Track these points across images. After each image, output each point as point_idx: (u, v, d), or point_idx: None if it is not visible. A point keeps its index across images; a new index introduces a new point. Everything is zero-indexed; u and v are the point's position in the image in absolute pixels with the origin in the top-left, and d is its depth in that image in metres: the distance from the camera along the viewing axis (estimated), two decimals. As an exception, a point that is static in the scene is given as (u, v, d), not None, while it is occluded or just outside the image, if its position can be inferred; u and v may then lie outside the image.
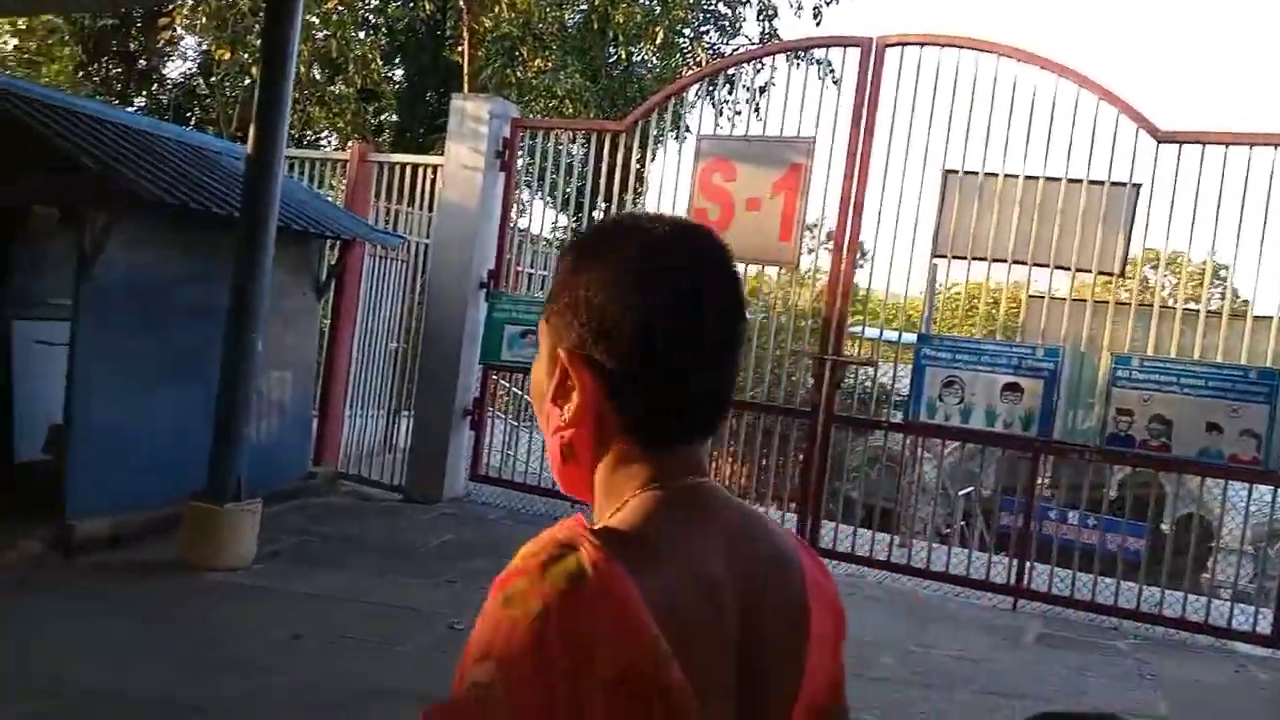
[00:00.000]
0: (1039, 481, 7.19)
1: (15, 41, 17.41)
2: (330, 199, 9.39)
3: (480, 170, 8.39)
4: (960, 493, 10.64)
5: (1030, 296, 7.00)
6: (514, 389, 10.58)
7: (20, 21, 16.00)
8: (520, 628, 0.83)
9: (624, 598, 0.85)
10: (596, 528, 0.93)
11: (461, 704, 0.83)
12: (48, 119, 6.68)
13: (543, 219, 11.48)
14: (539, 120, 11.99)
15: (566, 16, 15.94)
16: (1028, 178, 6.76)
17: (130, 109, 16.95)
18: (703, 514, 0.98)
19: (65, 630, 4.86)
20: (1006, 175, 6.82)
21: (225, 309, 6.31)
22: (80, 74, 18.01)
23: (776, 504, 8.47)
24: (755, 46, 15.95)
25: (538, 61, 15.04)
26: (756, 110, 9.10)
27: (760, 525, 1.04)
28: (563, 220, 17.94)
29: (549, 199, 10.51)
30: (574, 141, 9.83)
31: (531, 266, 9.96)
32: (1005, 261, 6.84)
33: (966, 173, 6.91)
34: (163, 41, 18.76)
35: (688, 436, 1.01)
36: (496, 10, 13.97)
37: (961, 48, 6.92)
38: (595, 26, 15.24)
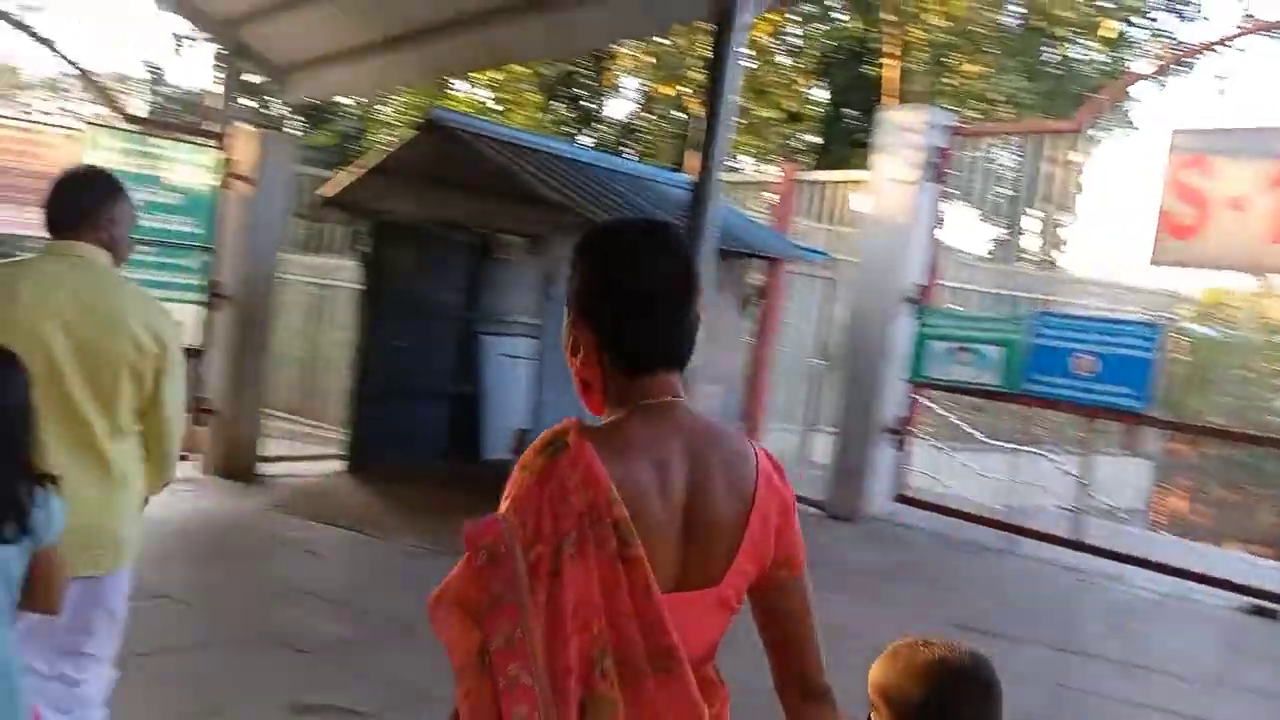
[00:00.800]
0: None
1: (491, 94, 20.01)
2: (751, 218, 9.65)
3: (909, 182, 8.15)
4: None
5: None
6: (940, 408, 10.15)
7: (493, 75, 18.34)
8: (526, 481, 1.36)
9: (589, 463, 1.33)
10: (583, 425, 1.40)
11: (488, 523, 1.31)
12: (513, 156, 7.53)
13: (966, 230, 10.91)
14: (980, 126, 11.40)
15: (1001, 18, 15.16)
16: None
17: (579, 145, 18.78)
18: (665, 420, 1.43)
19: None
20: None
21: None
22: (539, 116, 20.27)
23: (1243, 545, 7.31)
24: (1226, 30, 14.05)
25: (971, 66, 14.44)
26: (1226, 97, 7.95)
27: (719, 432, 1.47)
28: (992, 230, 17.08)
29: (976, 208, 9.96)
30: (1010, 146, 9.23)
31: (956, 281, 9.52)
32: None
33: None
34: (607, 83, 20.56)
35: (653, 367, 1.45)
36: (927, 18, 13.60)
37: None
38: (1034, 25, 14.31)
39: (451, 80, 18.12)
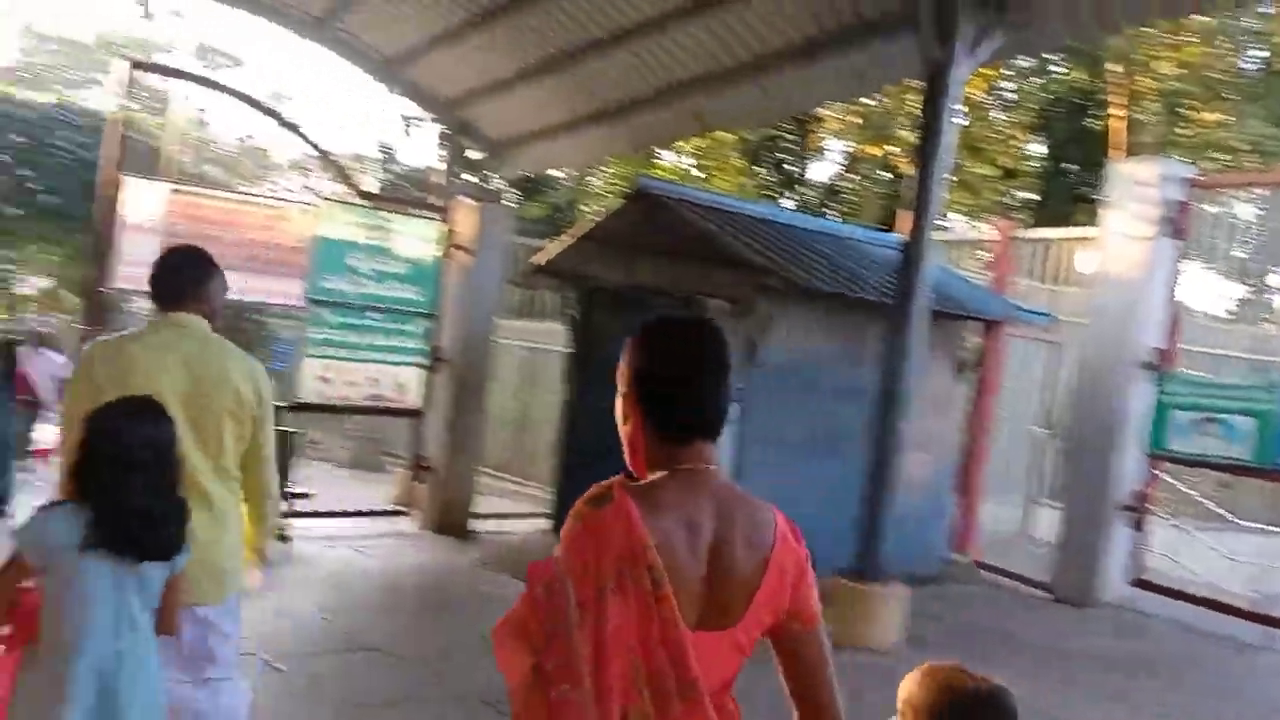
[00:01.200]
0: None
1: (694, 161, 20.38)
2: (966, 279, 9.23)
3: (1143, 239, 7.58)
4: None
5: None
6: (1181, 484, 9.28)
7: (698, 142, 18.67)
8: (576, 529, 1.55)
9: (629, 515, 1.53)
10: (626, 483, 1.62)
11: (545, 563, 1.53)
12: (716, 221, 7.54)
13: (1205, 289, 10.06)
14: (1219, 177, 10.53)
15: (1241, 62, 14.07)
16: None
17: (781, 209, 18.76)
18: (696, 483, 1.65)
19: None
20: None
21: (872, 391, 6.43)
22: (742, 180, 20.44)
23: None
24: None
25: (1209, 115, 13.44)
26: None
27: (742, 497, 1.69)
28: (1234, 289, 15.69)
29: (1215, 265, 9.16)
30: (1254, 198, 8.45)
31: (1197, 344, 8.75)
32: None
33: None
34: (811, 146, 20.52)
35: (688, 438, 1.67)
36: (1157, 66, 12.80)
37: None
38: (1277, 69, 13.19)
39: (657, 149, 18.60)
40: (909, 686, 1.71)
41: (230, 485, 2.96)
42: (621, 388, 1.74)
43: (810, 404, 7.41)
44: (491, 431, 9.47)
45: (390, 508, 8.77)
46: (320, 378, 8.04)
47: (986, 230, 9.61)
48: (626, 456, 1.75)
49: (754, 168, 21.00)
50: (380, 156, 24.62)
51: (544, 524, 8.80)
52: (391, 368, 8.51)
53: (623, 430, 1.75)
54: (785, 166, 21.66)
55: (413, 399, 8.63)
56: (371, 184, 17.57)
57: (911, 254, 6.22)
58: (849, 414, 7.12)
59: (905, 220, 6.49)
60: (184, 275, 3.03)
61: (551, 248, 9.04)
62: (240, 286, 7.99)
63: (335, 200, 8.41)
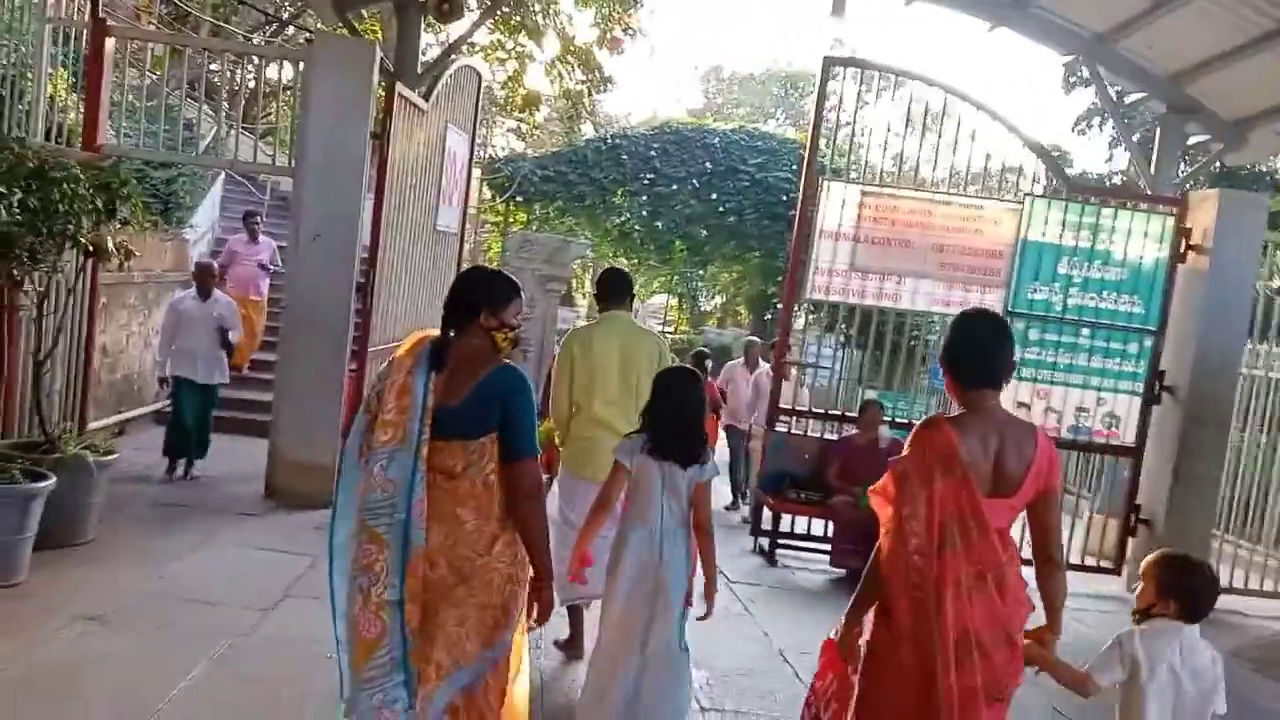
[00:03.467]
0: None
1: None
2: None
3: None
4: None
5: None
6: None
7: None
8: (916, 439, 2.73)
9: (946, 429, 2.67)
10: (945, 415, 2.82)
11: (901, 458, 2.75)
12: None
13: None
14: None
15: None
16: None
17: None
18: (985, 414, 2.70)
19: None
20: None
21: None
22: None
23: None
24: None
25: None
26: None
27: (1016, 422, 2.75)
28: None
29: None
30: None
31: None
32: None
33: None
34: None
35: (977, 387, 2.73)
36: None
37: None
38: None
39: None
40: (1148, 562, 2.96)
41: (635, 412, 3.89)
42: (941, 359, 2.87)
43: None
44: (1230, 485, 7.45)
45: (1093, 563, 7.30)
46: (1017, 402, 6.90)
47: None
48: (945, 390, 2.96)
49: None
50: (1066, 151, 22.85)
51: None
52: (1103, 395, 7.07)
53: (950, 385, 2.81)
54: None
55: (1127, 434, 7.09)
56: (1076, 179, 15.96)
57: None
58: None
59: None
60: (625, 284, 4.79)
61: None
62: (934, 296, 7.27)
63: (1041, 196, 7.22)
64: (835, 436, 7.18)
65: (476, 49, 18.59)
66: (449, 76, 8.05)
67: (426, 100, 7.50)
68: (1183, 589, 2.83)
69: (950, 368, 2.76)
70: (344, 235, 6.62)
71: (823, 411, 7.39)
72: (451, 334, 2.77)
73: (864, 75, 7.14)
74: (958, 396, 2.74)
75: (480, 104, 9.03)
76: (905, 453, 2.70)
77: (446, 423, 2.68)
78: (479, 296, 2.76)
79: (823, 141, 7.39)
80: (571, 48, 16.66)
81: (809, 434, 7.19)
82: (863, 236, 6.99)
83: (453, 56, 9.23)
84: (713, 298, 27.13)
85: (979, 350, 2.74)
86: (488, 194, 17.30)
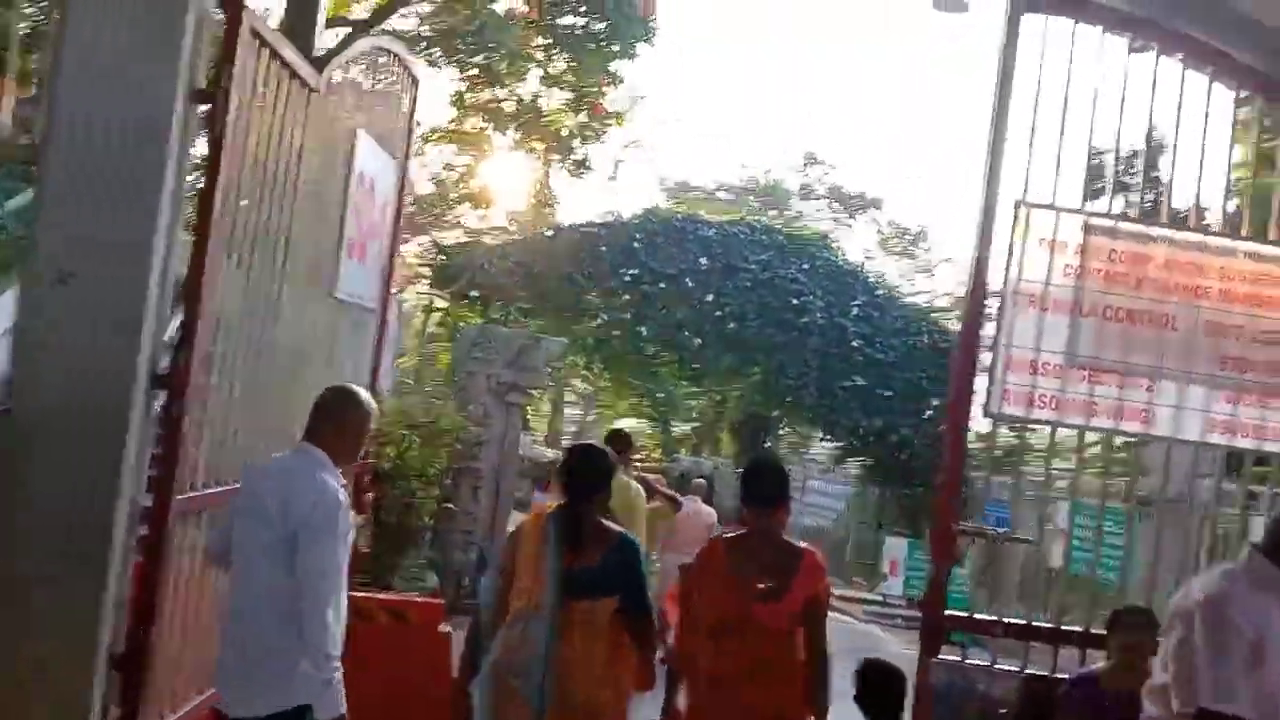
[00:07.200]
0: None
1: None
2: None
3: None
4: None
5: None
6: None
7: None
8: (697, 557, 3.82)
9: (719, 551, 3.72)
10: (722, 536, 4.17)
11: (679, 582, 4.08)
12: None
13: None
14: None
15: None
16: None
17: None
18: (760, 532, 3.61)
19: None
20: None
21: None
22: None
23: None
24: None
25: None
26: None
27: (785, 542, 3.62)
28: None
29: None
30: None
31: None
32: None
33: None
34: None
35: (753, 507, 3.65)
36: None
37: None
38: None
39: None
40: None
41: None
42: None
43: None
44: None
45: None
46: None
47: None
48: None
49: None
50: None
51: None
52: None
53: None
54: None
55: None
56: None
57: None
58: None
59: None
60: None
61: None
62: (1211, 417, 4.19)
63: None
64: (1064, 674, 3.90)
65: (435, 134, 16.04)
66: (361, 54, 5.04)
67: (319, 75, 4.44)
68: None
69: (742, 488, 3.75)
70: (126, 279, 3.40)
71: (1022, 622, 4.13)
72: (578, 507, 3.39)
73: (1077, 33, 4.20)
74: (741, 516, 3.75)
75: (415, 119, 6.01)
76: (692, 565, 3.75)
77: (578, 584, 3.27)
78: (604, 481, 3.49)
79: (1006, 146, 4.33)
80: (542, 120, 14.21)
81: (998, 665, 3.95)
82: (1087, 305, 3.93)
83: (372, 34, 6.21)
84: (685, 420, 24.17)
85: (757, 476, 3.77)
86: (425, 285, 14.22)
